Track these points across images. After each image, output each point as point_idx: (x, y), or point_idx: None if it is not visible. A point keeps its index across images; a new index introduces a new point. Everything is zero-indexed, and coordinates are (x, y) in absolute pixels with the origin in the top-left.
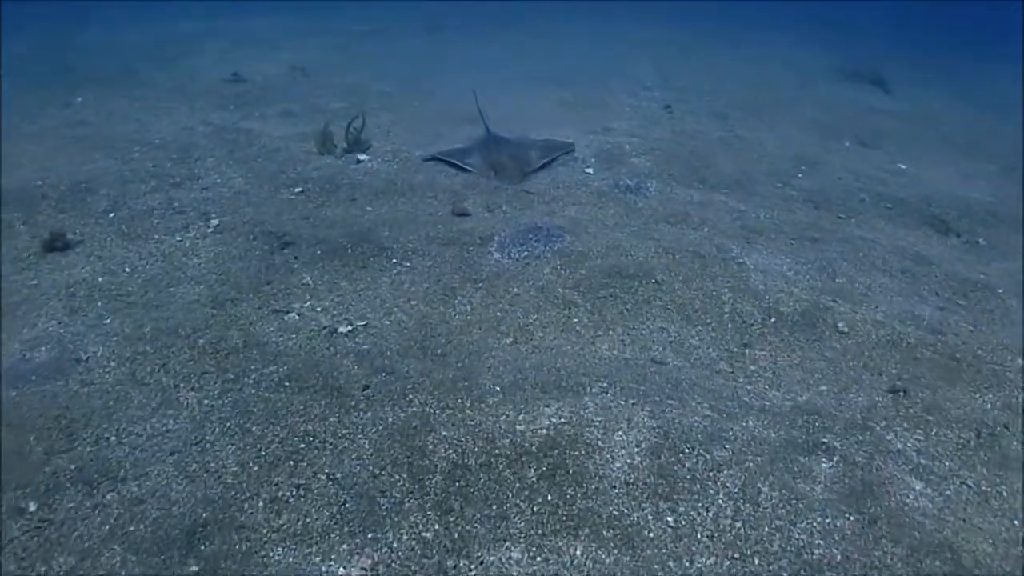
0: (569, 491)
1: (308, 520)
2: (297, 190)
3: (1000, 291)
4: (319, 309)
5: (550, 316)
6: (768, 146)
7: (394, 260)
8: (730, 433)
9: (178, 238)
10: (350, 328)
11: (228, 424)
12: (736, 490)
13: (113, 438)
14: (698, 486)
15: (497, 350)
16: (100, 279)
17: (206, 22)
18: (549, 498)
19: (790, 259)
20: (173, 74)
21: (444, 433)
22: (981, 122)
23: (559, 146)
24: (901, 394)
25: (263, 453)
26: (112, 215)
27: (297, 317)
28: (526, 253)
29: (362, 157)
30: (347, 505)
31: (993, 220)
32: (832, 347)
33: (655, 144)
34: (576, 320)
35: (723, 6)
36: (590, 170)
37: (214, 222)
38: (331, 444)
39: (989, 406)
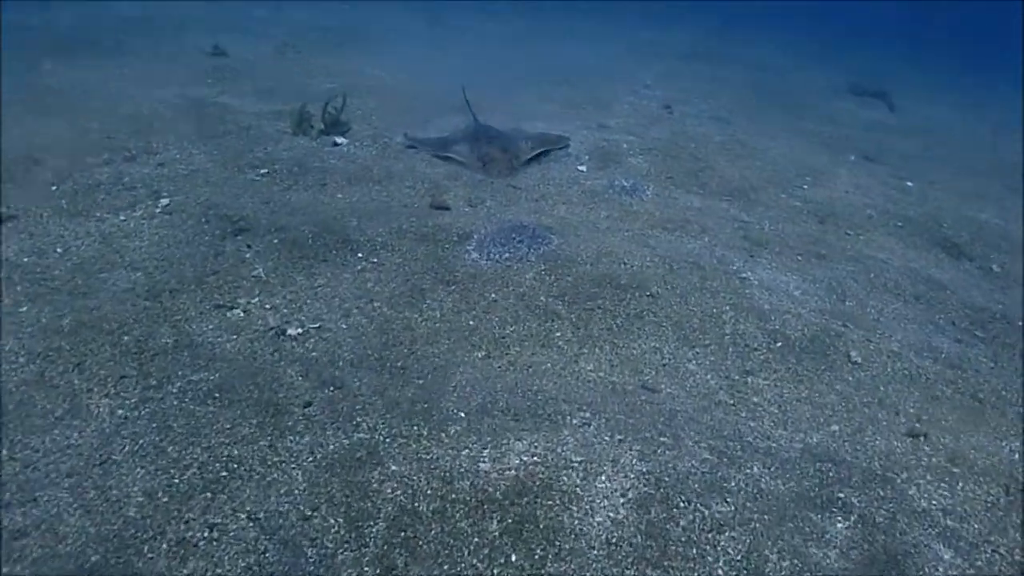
0: (539, 551)
1: (219, 571)
2: (263, 171)
3: (1020, 323)
4: (268, 306)
5: (530, 328)
6: (771, 154)
7: (359, 255)
8: (732, 483)
9: (122, 217)
10: (300, 330)
11: (141, 441)
12: (739, 557)
13: (4, 452)
14: (694, 551)
15: (466, 365)
16: (26, 259)
17: (205, 2)
18: (513, 559)
19: (797, 276)
20: (156, 46)
21: (393, 468)
22: (981, 137)
23: (552, 140)
24: (921, 439)
25: (176, 481)
26: (55, 188)
27: (242, 314)
28: (507, 255)
29: (339, 140)
30: (267, 555)
31: (1006, 244)
32: (844, 379)
33: (653, 144)
34: (559, 334)
35: (724, 9)
36: (583, 168)
37: (164, 201)
38: (258, 474)
39: (1017, 456)
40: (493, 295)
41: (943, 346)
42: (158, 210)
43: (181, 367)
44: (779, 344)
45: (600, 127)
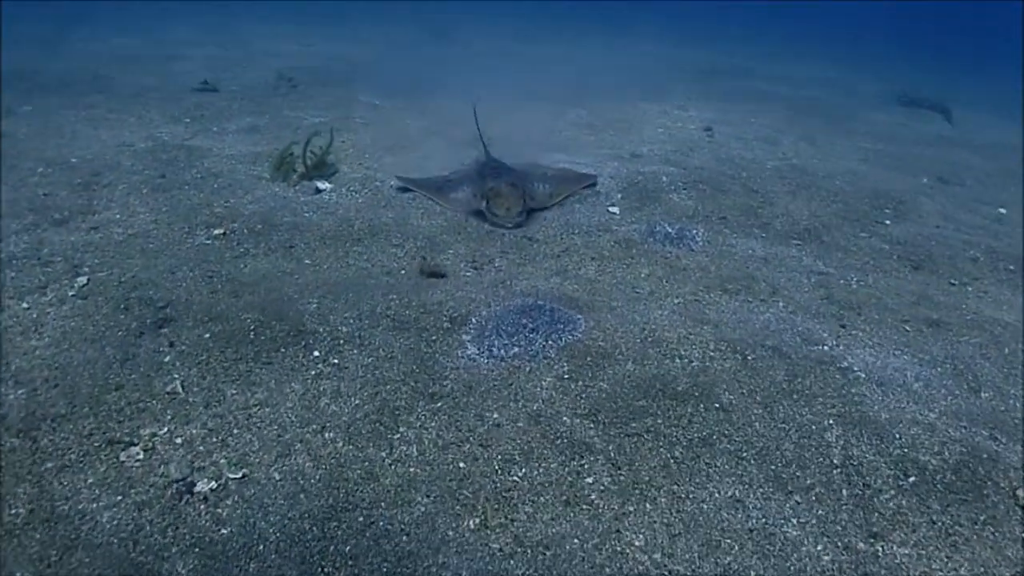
0: None
1: None
2: (217, 232)
3: None
4: (180, 440)
5: (548, 471)
6: (836, 180)
7: (315, 353)
8: None
9: (25, 305)
10: (215, 484)
11: None
12: None
13: None
14: None
15: (449, 548)
16: None
17: (204, 28)
18: None
19: (909, 357)
20: (141, 81)
21: None
22: None
23: (577, 178)
24: None
25: None
26: None
27: (140, 456)
28: (517, 349)
29: (322, 186)
30: None
31: None
32: (1015, 538)
33: (697, 175)
34: (591, 480)
35: (749, 25)
36: (615, 209)
37: (81, 281)
38: None
39: None
40: (495, 415)
41: None
42: (72, 292)
43: (27, 563)
44: (912, 479)
45: (632, 156)
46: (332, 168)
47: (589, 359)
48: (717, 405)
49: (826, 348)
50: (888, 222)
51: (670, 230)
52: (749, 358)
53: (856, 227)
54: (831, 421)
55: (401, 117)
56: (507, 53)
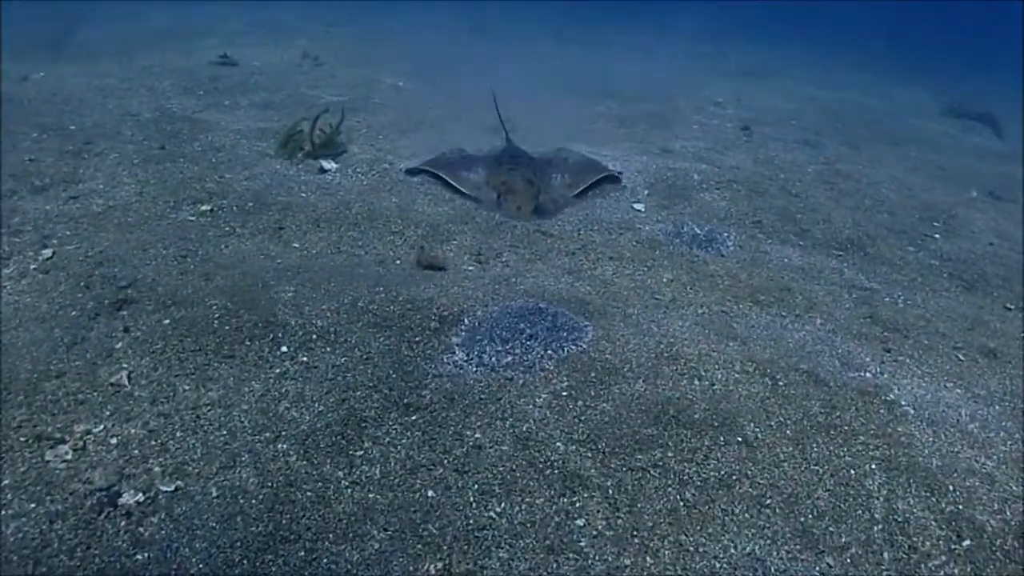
0: None
1: None
2: (204, 208)
3: None
4: (115, 440)
5: (532, 509)
6: (883, 189)
7: (283, 349)
8: None
9: None
10: (143, 497)
11: None
12: None
13: None
14: None
15: None
16: None
17: (237, 8)
18: None
19: (963, 391)
20: (161, 54)
21: None
22: None
23: (601, 172)
24: None
25: None
26: None
27: (68, 456)
28: (510, 358)
29: (327, 165)
30: None
31: None
32: None
33: (732, 175)
34: (582, 522)
35: (761, 27)
36: (641, 206)
37: (46, 253)
38: None
39: None
40: (477, 435)
41: None
42: (34, 266)
43: None
44: (967, 543)
45: (663, 151)
46: (341, 147)
47: (593, 374)
48: (740, 439)
49: (869, 375)
50: (938, 236)
51: (699, 231)
52: (780, 383)
53: (903, 240)
54: (873, 466)
55: (423, 101)
56: (536, 51)
